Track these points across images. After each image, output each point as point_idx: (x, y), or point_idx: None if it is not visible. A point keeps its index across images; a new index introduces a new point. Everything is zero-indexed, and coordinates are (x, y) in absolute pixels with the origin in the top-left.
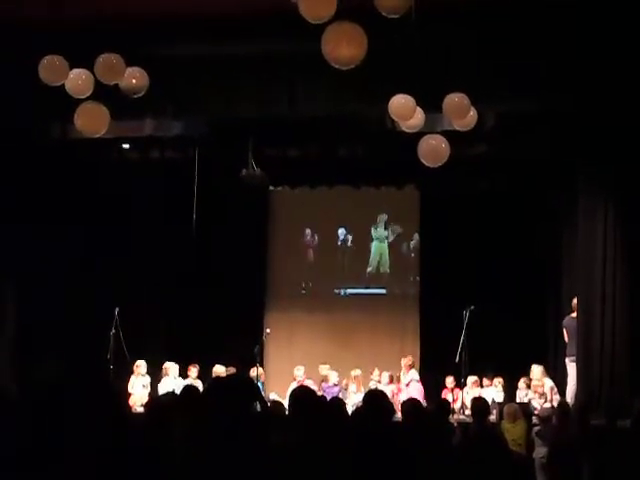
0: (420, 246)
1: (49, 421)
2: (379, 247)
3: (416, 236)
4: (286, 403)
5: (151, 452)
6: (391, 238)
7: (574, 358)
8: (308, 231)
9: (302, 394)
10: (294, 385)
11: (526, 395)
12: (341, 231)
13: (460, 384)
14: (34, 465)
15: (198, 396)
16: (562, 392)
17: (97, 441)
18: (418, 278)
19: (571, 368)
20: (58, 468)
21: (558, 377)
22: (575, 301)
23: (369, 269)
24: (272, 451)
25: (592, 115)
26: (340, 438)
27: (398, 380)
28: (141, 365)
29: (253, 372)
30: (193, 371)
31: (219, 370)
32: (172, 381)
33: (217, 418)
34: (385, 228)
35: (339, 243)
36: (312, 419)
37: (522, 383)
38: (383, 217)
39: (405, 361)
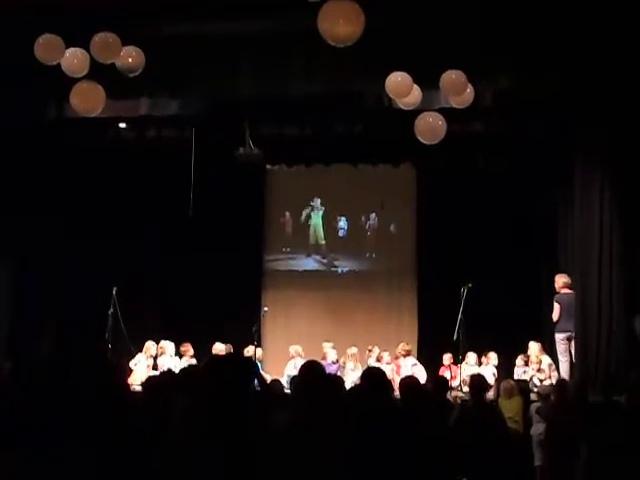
0: (416, 223)
1: (46, 399)
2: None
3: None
4: (283, 381)
5: (149, 429)
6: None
7: (569, 335)
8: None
9: (312, 369)
10: (291, 363)
11: (524, 372)
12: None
13: (458, 361)
14: (32, 443)
15: (197, 374)
16: (559, 368)
17: (96, 418)
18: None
19: (562, 344)
20: (57, 446)
21: (555, 354)
22: (558, 278)
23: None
24: (273, 427)
25: (588, 92)
26: (339, 415)
27: (396, 358)
28: (151, 347)
29: (251, 351)
30: (190, 350)
31: (219, 348)
32: (169, 359)
33: (216, 395)
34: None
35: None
36: (318, 395)
37: (520, 360)
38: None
39: (400, 349)
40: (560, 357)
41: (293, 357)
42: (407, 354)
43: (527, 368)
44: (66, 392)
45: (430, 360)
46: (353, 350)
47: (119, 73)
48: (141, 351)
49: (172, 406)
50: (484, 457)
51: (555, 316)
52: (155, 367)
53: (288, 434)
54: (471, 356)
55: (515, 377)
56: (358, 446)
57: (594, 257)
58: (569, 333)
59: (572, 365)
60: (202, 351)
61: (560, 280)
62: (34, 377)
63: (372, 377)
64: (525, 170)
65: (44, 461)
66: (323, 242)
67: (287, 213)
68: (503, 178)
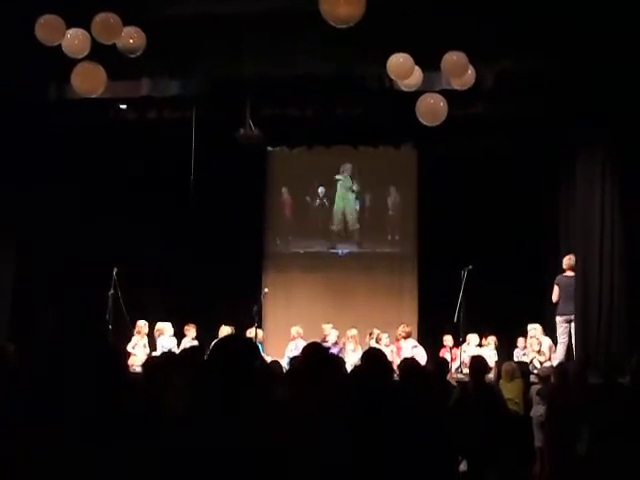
0: (417, 205)
1: (48, 380)
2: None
3: (393, 190)
4: (283, 362)
5: (150, 410)
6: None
7: (568, 317)
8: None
9: (317, 349)
10: (292, 344)
11: (524, 354)
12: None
13: (458, 343)
14: (34, 425)
15: (198, 355)
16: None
17: (96, 400)
18: (397, 237)
19: (560, 326)
20: (58, 427)
21: (555, 336)
22: (567, 259)
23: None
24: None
25: (589, 75)
26: (340, 395)
27: (397, 340)
28: (143, 326)
29: (252, 332)
30: (191, 331)
31: (225, 331)
32: (168, 340)
33: (217, 376)
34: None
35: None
36: (320, 374)
37: (520, 342)
38: (347, 167)
39: (400, 330)
40: (558, 339)
41: (294, 338)
42: (407, 336)
43: (527, 350)
44: (66, 376)
45: (430, 342)
46: (353, 332)
47: (120, 54)
48: (134, 333)
49: (172, 386)
50: (484, 439)
51: (554, 298)
52: (154, 348)
53: (288, 412)
54: (472, 338)
55: (515, 359)
56: (357, 427)
57: (595, 239)
58: (568, 316)
59: (569, 347)
60: (203, 333)
61: (566, 261)
62: (35, 361)
63: (372, 358)
64: (526, 152)
65: (45, 448)
66: (357, 226)
67: (288, 194)
68: (504, 160)
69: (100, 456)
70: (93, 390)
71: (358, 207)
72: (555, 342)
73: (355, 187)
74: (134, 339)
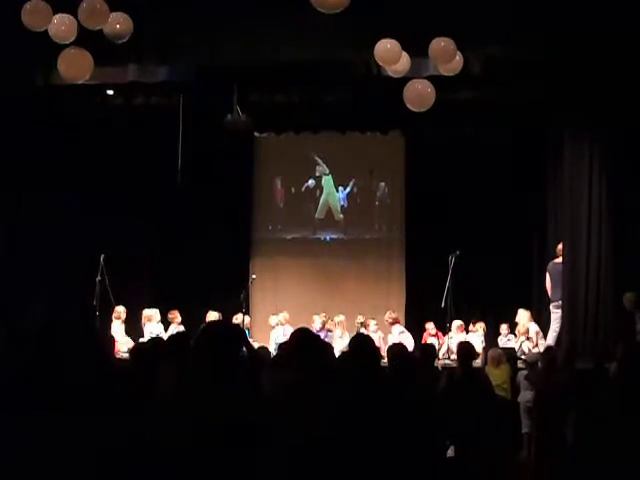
0: (405, 191)
1: (37, 365)
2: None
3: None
4: (271, 348)
5: (137, 396)
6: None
7: (558, 304)
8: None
9: (305, 335)
10: (279, 330)
11: (508, 340)
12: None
13: (445, 329)
14: (22, 409)
15: (186, 341)
16: (547, 337)
17: (84, 386)
18: (385, 223)
19: (555, 314)
20: (45, 413)
21: (542, 322)
22: (560, 246)
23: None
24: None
25: (576, 57)
26: (328, 380)
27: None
28: (122, 311)
29: (239, 318)
30: (177, 317)
31: (213, 316)
32: (156, 326)
33: (205, 362)
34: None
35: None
36: (307, 360)
37: (504, 329)
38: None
39: (387, 317)
40: (551, 325)
41: (282, 324)
42: (394, 322)
43: (511, 336)
44: (53, 362)
45: (418, 328)
46: (341, 318)
47: (107, 40)
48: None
49: (160, 372)
50: (471, 424)
51: (547, 285)
52: (142, 334)
53: (276, 397)
54: (459, 324)
55: (499, 345)
56: (345, 412)
57: (583, 224)
58: (559, 302)
59: (560, 334)
60: (190, 318)
61: (559, 248)
62: (23, 345)
63: (360, 344)
64: (514, 138)
65: (30, 433)
66: (340, 217)
67: (276, 181)
68: (492, 146)
69: (87, 437)
70: (81, 374)
71: (344, 203)
72: (541, 328)
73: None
74: (114, 325)
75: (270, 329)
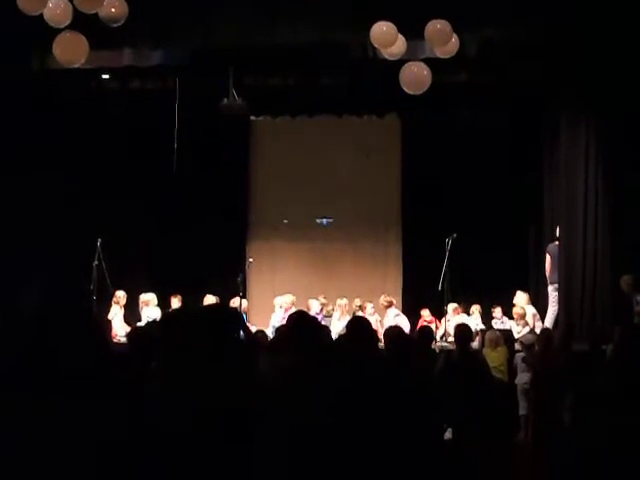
0: (401, 174)
1: (35, 349)
2: None
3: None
4: (268, 332)
5: (135, 379)
6: None
7: (557, 286)
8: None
9: (302, 318)
10: (276, 314)
11: (502, 323)
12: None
13: (442, 312)
14: (20, 393)
15: (182, 324)
16: (544, 319)
17: (82, 369)
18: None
19: (552, 296)
20: (42, 397)
21: (539, 305)
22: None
23: None
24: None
25: (573, 40)
26: (326, 363)
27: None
28: (122, 296)
29: (236, 302)
30: (175, 302)
31: (210, 300)
32: (154, 310)
33: (202, 345)
34: None
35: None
36: (305, 342)
37: (498, 312)
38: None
39: (382, 300)
40: (549, 307)
41: (285, 308)
42: (389, 305)
43: (505, 319)
44: (50, 346)
45: (415, 311)
46: (344, 301)
47: (102, 23)
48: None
49: (157, 355)
50: (468, 406)
51: (547, 266)
52: (139, 319)
53: (274, 380)
54: (455, 306)
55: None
56: (342, 395)
57: (579, 205)
58: (557, 284)
59: (558, 316)
60: (188, 303)
61: (558, 230)
62: (19, 329)
63: (357, 326)
64: (510, 121)
65: (28, 417)
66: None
67: (273, 164)
68: (488, 129)
69: (85, 422)
70: (78, 357)
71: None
72: (538, 310)
73: None
74: (113, 309)
75: (271, 311)
